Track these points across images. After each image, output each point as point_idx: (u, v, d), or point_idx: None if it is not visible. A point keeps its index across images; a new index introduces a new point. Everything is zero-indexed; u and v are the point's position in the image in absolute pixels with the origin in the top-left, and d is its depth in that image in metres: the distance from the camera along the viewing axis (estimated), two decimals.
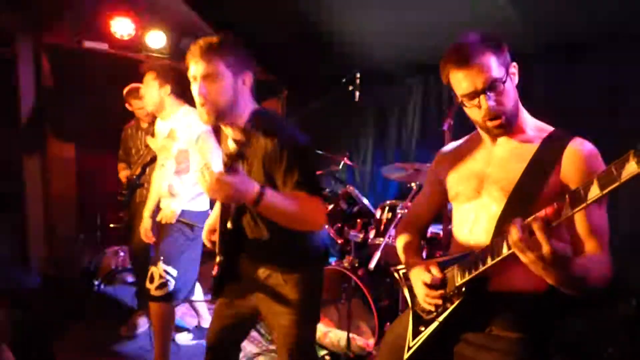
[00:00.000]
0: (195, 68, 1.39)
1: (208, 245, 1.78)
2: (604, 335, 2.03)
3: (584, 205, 0.88)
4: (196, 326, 3.07)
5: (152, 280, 2.29)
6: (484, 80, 1.16)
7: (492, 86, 1.16)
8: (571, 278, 0.98)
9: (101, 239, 4.03)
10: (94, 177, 3.99)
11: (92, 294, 3.57)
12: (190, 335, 2.95)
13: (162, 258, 2.29)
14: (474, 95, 1.19)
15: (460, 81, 1.19)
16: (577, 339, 1.98)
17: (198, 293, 2.94)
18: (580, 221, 1.12)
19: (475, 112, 1.23)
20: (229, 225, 1.58)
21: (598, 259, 1.10)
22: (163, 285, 2.27)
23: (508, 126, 1.22)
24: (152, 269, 2.31)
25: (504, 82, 1.17)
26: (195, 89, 1.41)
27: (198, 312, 3.03)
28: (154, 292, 2.29)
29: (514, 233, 0.96)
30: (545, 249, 0.91)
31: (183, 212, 2.37)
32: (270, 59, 4.75)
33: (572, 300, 1.15)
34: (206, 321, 3.06)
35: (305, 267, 1.55)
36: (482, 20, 2.74)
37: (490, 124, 1.21)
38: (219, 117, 1.42)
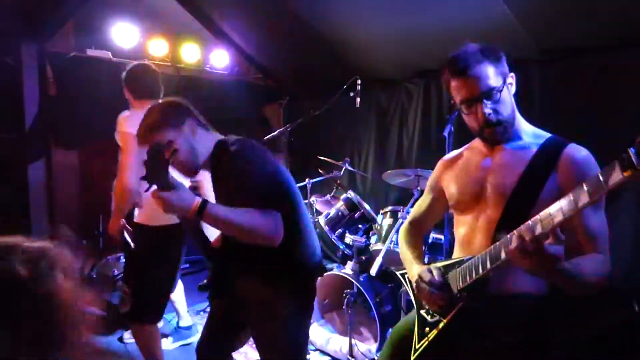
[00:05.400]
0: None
1: None
2: (605, 339, 2.02)
3: (574, 212, 0.91)
4: (175, 327, 3.05)
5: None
6: (481, 88, 1.21)
7: (488, 94, 1.21)
8: (564, 278, 1.02)
9: (103, 245, 4.05)
10: (97, 184, 4.02)
11: (93, 300, 3.57)
12: (170, 339, 2.93)
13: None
14: (471, 102, 1.24)
15: (459, 89, 1.25)
16: (578, 342, 1.97)
17: (179, 293, 2.94)
18: (578, 225, 1.15)
19: (472, 119, 1.27)
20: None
21: (595, 259, 1.13)
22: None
23: (504, 133, 1.26)
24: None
25: (500, 91, 1.22)
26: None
27: (178, 312, 3.02)
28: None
29: (512, 243, 1.00)
30: (539, 255, 0.95)
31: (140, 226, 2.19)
32: (271, 65, 4.79)
33: (574, 304, 1.17)
34: (185, 321, 3.05)
35: (295, 278, 1.54)
36: (481, 26, 2.76)
37: (487, 131, 1.26)
38: (194, 170, 1.52)
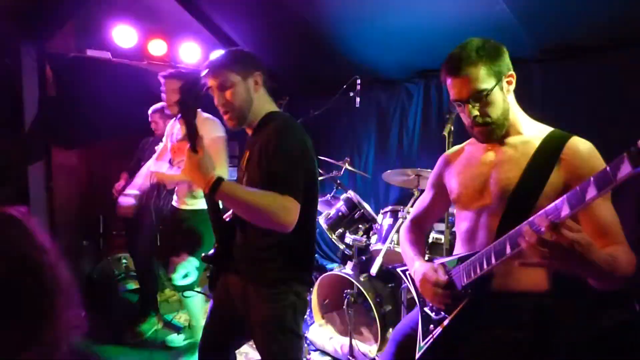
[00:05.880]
0: (210, 83, 1.52)
1: None
2: (605, 339, 2.02)
3: (582, 206, 0.90)
4: (187, 325, 3.05)
5: (176, 270, 2.44)
6: (469, 90, 1.22)
7: (477, 97, 1.22)
8: (599, 269, 0.96)
9: (104, 246, 4.05)
10: (96, 185, 4.01)
11: (94, 300, 3.57)
12: (182, 336, 2.95)
13: (187, 250, 2.43)
14: (461, 102, 1.25)
15: (452, 88, 1.26)
16: (578, 342, 1.97)
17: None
18: (590, 220, 1.13)
19: (464, 117, 1.29)
20: (225, 215, 1.60)
21: (621, 248, 1.10)
22: (187, 275, 2.44)
23: (492, 134, 1.26)
24: (176, 260, 2.46)
25: (489, 94, 1.21)
26: (215, 101, 1.53)
27: (190, 310, 3.02)
28: (179, 282, 2.45)
29: (529, 236, 0.95)
30: (565, 241, 0.89)
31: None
32: (271, 64, 4.79)
33: (575, 303, 1.15)
34: (197, 321, 3.06)
35: (284, 283, 1.50)
36: (481, 25, 2.75)
37: (475, 129, 1.27)
38: (241, 121, 1.53)
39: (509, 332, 1.22)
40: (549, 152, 1.20)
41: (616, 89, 2.56)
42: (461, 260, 1.28)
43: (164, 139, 2.77)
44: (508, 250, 1.07)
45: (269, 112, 1.55)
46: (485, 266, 1.16)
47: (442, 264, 1.36)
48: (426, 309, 1.40)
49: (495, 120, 1.24)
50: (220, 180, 1.32)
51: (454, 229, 2.59)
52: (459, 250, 1.39)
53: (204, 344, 1.70)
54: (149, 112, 3.27)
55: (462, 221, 1.38)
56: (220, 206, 1.56)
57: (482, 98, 1.21)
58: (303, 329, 2.13)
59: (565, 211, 0.92)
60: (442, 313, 1.31)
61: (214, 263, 1.60)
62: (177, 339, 2.94)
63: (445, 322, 1.28)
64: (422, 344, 1.35)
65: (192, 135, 1.36)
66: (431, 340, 1.32)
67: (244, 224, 1.52)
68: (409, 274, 1.51)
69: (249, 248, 1.53)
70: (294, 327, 1.52)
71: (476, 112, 1.22)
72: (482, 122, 1.24)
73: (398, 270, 1.64)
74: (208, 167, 1.33)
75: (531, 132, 1.28)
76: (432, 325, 1.34)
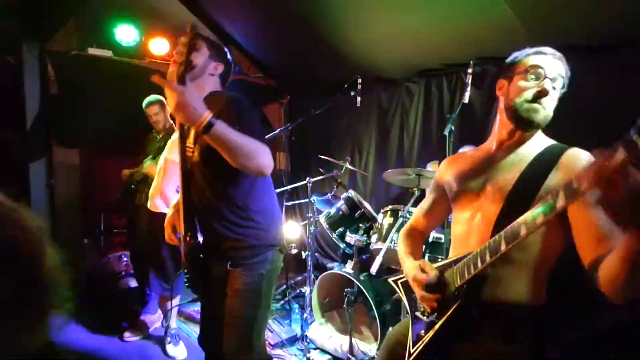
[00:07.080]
0: (187, 37, 1.55)
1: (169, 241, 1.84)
2: (605, 341, 2.02)
3: (553, 214, 0.96)
4: (171, 332, 2.93)
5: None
6: (558, 72, 1.26)
7: (558, 81, 1.26)
8: None
9: (104, 244, 4.06)
10: (98, 183, 4.03)
11: (95, 299, 3.58)
12: (182, 350, 2.89)
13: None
14: (543, 74, 1.25)
15: (545, 62, 1.27)
16: (578, 344, 1.97)
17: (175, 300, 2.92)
18: (588, 226, 1.11)
19: (528, 90, 1.26)
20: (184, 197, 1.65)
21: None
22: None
23: (538, 116, 1.25)
24: None
25: (562, 88, 1.28)
26: (176, 49, 1.58)
27: (170, 316, 2.92)
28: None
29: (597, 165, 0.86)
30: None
31: None
32: (272, 64, 4.79)
33: (571, 309, 1.14)
34: (174, 322, 2.99)
35: (259, 254, 1.61)
36: (482, 25, 2.76)
37: (527, 105, 1.25)
38: (180, 79, 1.53)
39: (501, 345, 1.21)
40: (547, 157, 1.22)
41: (617, 89, 2.55)
42: (455, 262, 1.27)
43: (168, 142, 2.73)
44: (503, 246, 1.07)
45: (214, 90, 1.64)
46: (479, 264, 1.15)
47: (435, 267, 1.34)
48: (417, 314, 1.38)
49: (548, 113, 1.26)
50: (214, 120, 1.33)
51: None
52: (455, 251, 1.38)
53: (203, 342, 1.79)
54: (145, 104, 3.12)
55: (458, 224, 1.38)
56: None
57: (557, 87, 1.26)
58: (303, 328, 2.15)
59: (561, 202, 0.94)
60: (433, 317, 1.29)
61: (193, 254, 1.66)
62: (178, 352, 2.86)
63: (437, 327, 1.27)
64: (412, 351, 1.33)
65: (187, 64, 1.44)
66: (422, 346, 1.30)
67: (205, 209, 1.61)
68: (401, 283, 1.51)
69: (215, 232, 1.61)
70: (267, 299, 1.65)
71: (550, 89, 1.23)
72: (543, 103, 1.24)
73: (390, 280, 1.61)
74: (199, 105, 1.34)
75: (535, 142, 1.30)
76: (423, 331, 1.32)
